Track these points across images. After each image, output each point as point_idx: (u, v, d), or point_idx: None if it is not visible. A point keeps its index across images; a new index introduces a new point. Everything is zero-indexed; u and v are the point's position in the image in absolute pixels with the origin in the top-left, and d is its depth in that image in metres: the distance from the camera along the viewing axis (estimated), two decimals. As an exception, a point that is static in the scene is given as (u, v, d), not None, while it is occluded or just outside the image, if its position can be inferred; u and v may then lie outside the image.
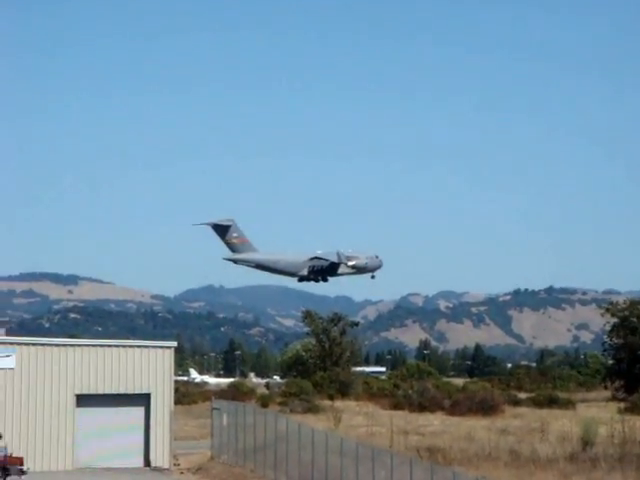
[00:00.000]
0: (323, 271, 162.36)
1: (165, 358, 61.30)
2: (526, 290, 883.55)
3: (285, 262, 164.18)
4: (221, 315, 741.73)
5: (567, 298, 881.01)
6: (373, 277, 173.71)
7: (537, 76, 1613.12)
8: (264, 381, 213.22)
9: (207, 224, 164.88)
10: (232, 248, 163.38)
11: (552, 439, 52.73)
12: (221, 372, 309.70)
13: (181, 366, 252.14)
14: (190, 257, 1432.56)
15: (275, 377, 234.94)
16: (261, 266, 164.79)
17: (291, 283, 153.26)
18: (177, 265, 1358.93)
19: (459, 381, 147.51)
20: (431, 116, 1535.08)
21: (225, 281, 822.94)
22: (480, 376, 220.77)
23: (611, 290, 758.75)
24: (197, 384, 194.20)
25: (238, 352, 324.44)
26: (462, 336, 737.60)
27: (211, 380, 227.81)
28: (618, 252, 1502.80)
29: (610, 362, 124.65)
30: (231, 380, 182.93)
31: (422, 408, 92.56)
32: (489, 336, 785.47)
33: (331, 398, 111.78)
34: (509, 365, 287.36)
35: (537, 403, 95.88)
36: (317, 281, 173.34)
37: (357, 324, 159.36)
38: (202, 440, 69.17)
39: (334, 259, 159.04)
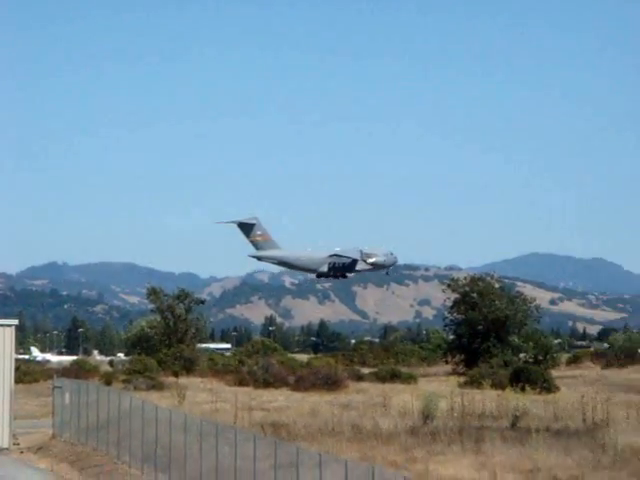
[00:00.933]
0: (343, 268, 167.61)
1: (5, 336, 59.79)
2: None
3: (306, 259, 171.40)
4: (64, 293, 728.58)
5: (410, 274, 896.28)
6: (387, 273, 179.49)
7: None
8: (108, 359, 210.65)
9: (233, 222, 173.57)
10: (256, 245, 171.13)
11: (394, 413, 53.60)
12: (63, 350, 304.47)
13: (22, 344, 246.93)
14: (33, 234, 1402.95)
15: (119, 355, 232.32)
16: (283, 263, 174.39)
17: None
18: (19, 242, 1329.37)
19: (304, 357, 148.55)
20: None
21: (68, 258, 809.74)
22: (325, 352, 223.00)
23: (453, 266, 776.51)
24: (39, 362, 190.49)
25: (81, 330, 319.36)
26: (307, 312, 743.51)
27: (53, 358, 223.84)
28: (459, 229, 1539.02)
29: (451, 337, 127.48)
30: (74, 358, 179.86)
31: (267, 384, 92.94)
32: (334, 312, 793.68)
33: (176, 375, 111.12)
34: (353, 341, 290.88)
35: (380, 378, 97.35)
36: (336, 277, 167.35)
37: (203, 302, 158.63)
38: (43, 419, 67.86)
39: (353, 256, 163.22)
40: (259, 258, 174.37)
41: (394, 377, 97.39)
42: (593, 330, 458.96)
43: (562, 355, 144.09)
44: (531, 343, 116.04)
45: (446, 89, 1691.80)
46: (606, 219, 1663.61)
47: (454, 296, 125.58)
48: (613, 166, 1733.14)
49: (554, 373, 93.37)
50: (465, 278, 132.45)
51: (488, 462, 32.35)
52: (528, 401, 54.24)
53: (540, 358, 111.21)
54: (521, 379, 77.76)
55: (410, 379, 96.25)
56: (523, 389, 70.09)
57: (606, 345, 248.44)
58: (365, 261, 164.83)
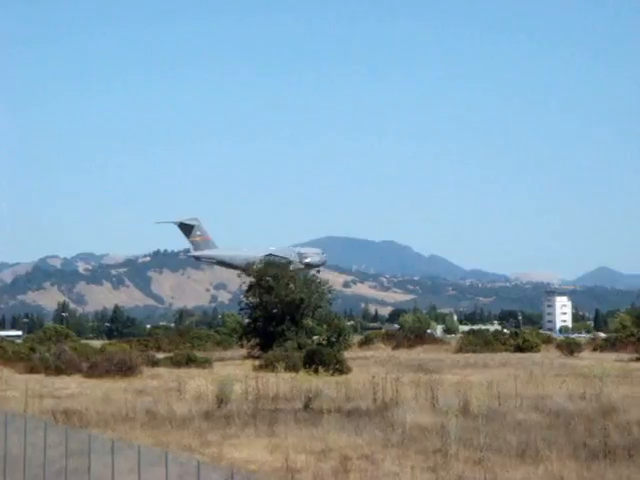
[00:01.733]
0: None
1: None
2: (165, 251, 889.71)
3: (241, 258, 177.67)
4: None
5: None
6: (318, 271, 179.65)
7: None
8: None
9: (173, 222, 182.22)
10: (195, 246, 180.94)
11: (189, 398, 53.51)
12: None
13: None
14: None
15: None
16: (221, 262, 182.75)
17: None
18: None
19: (98, 343, 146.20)
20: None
21: None
22: (119, 337, 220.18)
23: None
24: None
25: None
26: (102, 298, 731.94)
27: None
28: (255, 213, 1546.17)
29: (246, 321, 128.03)
30: None
31: (59, 371, 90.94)
32: (129, 298, 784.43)
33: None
34: (148, 326, 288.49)
35: (175, 363, 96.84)
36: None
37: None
38: None
39: (287, 256, 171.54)
40: (197, 258, 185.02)
41: (189, 362, 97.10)
42: (385, 312, 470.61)
43: (355, 337, 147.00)
44: (325, 325, 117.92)
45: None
46: (396, 203, 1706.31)
47: (250, 280, 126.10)
48: (390, 151, 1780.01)
49: (347, 354, 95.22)
50: (260, 261, 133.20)
51: (281, 444, 32.74)
52: (321, 383, 55.17)
53: (333, 340, 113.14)
54: (315, 361, 78.87)
55: (205, 363, 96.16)
56: (316, 371, 71.18)
57: (397, 326, 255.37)
58: (301, 261, 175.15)
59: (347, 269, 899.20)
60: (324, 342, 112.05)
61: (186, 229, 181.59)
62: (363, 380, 57.56)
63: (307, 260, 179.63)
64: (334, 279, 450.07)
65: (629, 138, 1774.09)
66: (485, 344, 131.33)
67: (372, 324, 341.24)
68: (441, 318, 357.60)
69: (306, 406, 46.85)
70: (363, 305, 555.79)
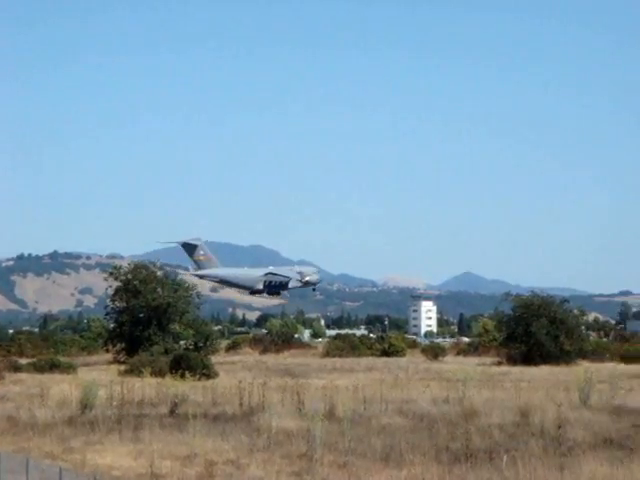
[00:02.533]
0: (277, 286, 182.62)
1: None
2: (30, 255, 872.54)
3: (243, 277, 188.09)
4: None
5: (71, 263, 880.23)
6: (314, 289, 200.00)
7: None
8: None
9: (177, 243, 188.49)
10: (199, 265, 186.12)
11: (52, 404, 52.52)
12: None
13: None
14: None
15: None
16: (223, 281, 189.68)
17: None
18: None
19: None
20: None
21: None
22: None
23: (114, 254, 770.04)
24: None
25: None
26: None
27: None
28: (114, 216, 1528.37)
29: (112, 325, 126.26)
30: None
31: None
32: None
33: None
34: (11, 331, 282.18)
35: (38, 368, 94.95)
36: (270, 294, 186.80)
37: None
38: None
39: (286, 274, 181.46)
40: (201, 277, 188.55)
41: (53, 367, 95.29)
42: (252, 316, 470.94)
43: (222, 341, 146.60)
44: (191, 330, 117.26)
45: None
46: (263, 207, 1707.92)
47: (116, 284, 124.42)
48: (257, 153, 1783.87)
49: (214, 359, 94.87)
50: (129, 265, 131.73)
51: (146, 449, 32.43)
52: (187, 388, 54.82)
53: (200, 345, 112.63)
54: (181, 366, 78.26)
55: (70, 369, 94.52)
56: (183, 376, 70.66)
57: (264, 331, 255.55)
58: (300, 280, 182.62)
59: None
60: (191, 347, 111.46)
61: (189, 249, 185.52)
62: (230, 385, 57.45)
63: (307, 279, 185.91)
64: (202, 283, 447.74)
65: (480, 142, 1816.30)
66: (351, 348, 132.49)
67: (239, 329, 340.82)
68: (308, 323, 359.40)
69: (172, 411, 46.52)
70: (231, 310, 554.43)
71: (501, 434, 35.86)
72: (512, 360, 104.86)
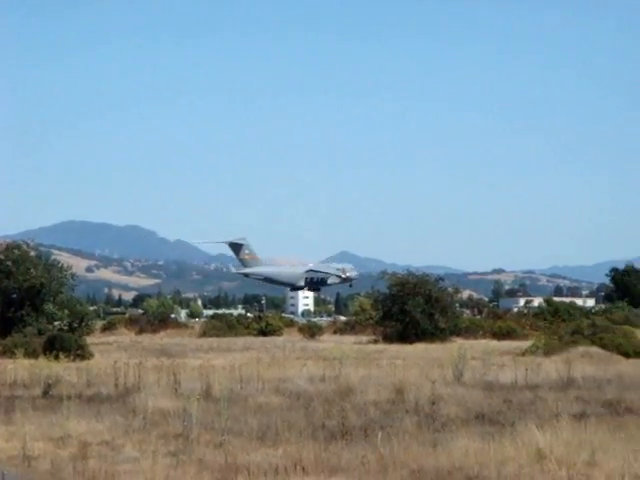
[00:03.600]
0: (317, 282, 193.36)
1: None
2: None
3: (287, 275, 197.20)
4: None
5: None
6: (350, 285, 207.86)
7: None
8: None
9: (224, 242, 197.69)
10: (244, 263, 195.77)
11: None
12: None
13: None
14: None
15: None
16: (267, 279, 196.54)
17: None
18: None
19: None
20: None
21: None
22: None
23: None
24: None
25: None
26: None
27: None
28: None
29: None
30: None
31: None
32: None
33: None
34: None
35: None
36: (311, 290, 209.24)
37: None
38: None
39: (326, 271, 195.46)
40: (247, 275, 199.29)
41: None
42: (129, 296, 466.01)
43: (97, 322, 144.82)
44: (66, 311, 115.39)
45: None
46: (140, 187, 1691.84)
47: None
48: (133, 132, 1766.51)
49: (89, 340, 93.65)
50: (1, 244, 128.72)
51: (18, 432, 31.77)
52: (61, 369, 53.99)
53: (75, 326, 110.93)
54: (55, 347, 77.09)
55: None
56: (57, 357, 69.63)
57: (141, 311, 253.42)
58: (340, 276, 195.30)
59: (90, 254, 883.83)
60: (65, 328, 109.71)
61: (236, 248, 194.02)
62: (105, 366, 56.78)
63: (347, 274, 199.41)
64: (77, 264, 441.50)
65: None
66: (229, 328, 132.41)
67: (115, 309, 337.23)
68: (185, 303, 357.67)
69: (45, 393, 45.72)
70: (106, 290, 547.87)
71: (376, 411, 36.23)
72: (388, 338, 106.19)
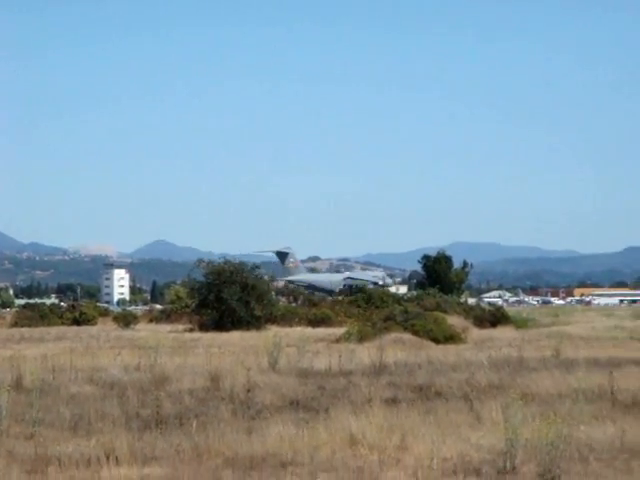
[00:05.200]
0: (354, 288, 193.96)
1: None
2: None
3: (328, 282, 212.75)
4: None
5: None
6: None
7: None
8: None
9: (271, 251, 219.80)
10: (289, 271, 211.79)
11: None
12: None
13: None
14: None
15: None
16: (310, 285, 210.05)
17: None
18: None
19: None
20: None
21: None
22: None
23: None
24: None
25: None
26: None
27: None
28: None
29: None
30: None
31: None
32: None
33: None
34: None
35: None
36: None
37: None
38: None
39: (364, 278, 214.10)
40: (291, 282, 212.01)
41: None
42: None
43: None
44: None
45: None
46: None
47: None
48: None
49: None
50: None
51: None
52: None
53: None
54: None
55: None
56: None
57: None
58: (376, 283, 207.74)
59: None
60: None
61: (282, 256, 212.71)
62: None
63: (383, 282, 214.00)
64: None
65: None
66: (41, 318, 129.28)
67: None
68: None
69: None
70: None
71: (192, 399, 36.13)
72: (204, 327, 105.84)
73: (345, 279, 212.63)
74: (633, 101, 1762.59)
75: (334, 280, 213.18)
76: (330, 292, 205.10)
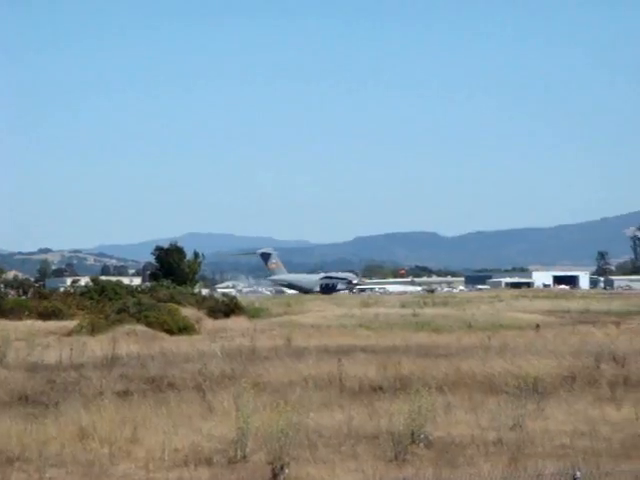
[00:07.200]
0: (329, 287, 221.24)
1: None
2: None
3: (306, 281, 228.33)
4: None
5: None
6: (353, 290, 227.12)
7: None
8: None
9: (255, 253, 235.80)
10: (272, 271, 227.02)
11: None
12: None
13: None
14: None
15: None
16: (289, 284, 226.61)
17: None
18: None
19: None
20: None
21: None
22: None
23: None
24: None
25: None
26: None
27: None
28: None
29: None
30: None
31: None
32: None
33: None
34: None
35: None
36: (323, 293, 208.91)
37: None
38: None
39: (337, 276, 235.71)
40: (274, 281, 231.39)
41: None
42: None
43: None
44: None
45: None
46: None
47: None
48: None
49: None
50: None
51: None
52: None
53: None
54: None
55: None
56: None
57: None
58: (351, 282, 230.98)
59: None
60: None
61: (265, 257, 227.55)
62: None
63: (355, 281, 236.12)
64: None
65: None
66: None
67: None
68: None
69: None
70: None
71: None
72: None
73: (322, 278, 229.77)
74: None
75: (312, 280, 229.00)
76: (308, 290, 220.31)
